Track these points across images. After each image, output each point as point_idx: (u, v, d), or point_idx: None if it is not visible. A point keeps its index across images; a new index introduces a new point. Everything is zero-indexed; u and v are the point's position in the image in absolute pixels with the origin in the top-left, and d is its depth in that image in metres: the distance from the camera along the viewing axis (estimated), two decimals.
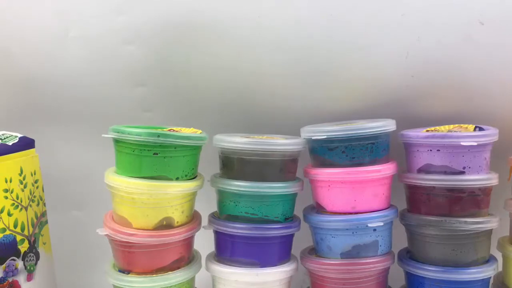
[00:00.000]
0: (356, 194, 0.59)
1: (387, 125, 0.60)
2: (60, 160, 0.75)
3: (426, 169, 0.60)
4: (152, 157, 0.56)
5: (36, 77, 0.71)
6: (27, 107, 0.73)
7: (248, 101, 0.68)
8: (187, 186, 0.59)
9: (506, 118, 0.66)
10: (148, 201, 0.57)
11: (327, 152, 0.60)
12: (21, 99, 0.73)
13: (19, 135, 0.64)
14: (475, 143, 0.57)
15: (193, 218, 0.62)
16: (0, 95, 0.73)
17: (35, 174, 0.65)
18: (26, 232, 0.63)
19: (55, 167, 0.73)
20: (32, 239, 0.64)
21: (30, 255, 0.63)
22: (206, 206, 0.64)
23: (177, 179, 0.58)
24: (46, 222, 0.67)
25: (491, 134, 0.59)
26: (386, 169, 0.60)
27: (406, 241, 0.64)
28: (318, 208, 0.62)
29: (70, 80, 0.71)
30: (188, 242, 0.62)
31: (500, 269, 0.64)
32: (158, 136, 0.55)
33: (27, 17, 0.69)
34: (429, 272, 0.60)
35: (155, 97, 0.70)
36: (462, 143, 0.57)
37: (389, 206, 0.62)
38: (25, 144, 0.64)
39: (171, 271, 0.59)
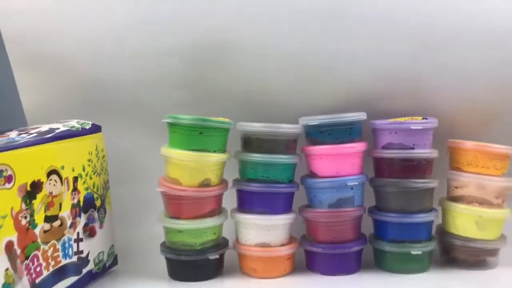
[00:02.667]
0: (339, 163, 0.84)
1: (361, 115, 0.85)
2: (116, 146, 0.97)
3: (387, 146, 0.86)
4: (198, 135, 0.80)
5: (100, 79, 0.95)
6: (91, 103, 0.97)
7: (259, 100, 0.93)
8: (221, 157, 0.83)
9: (445, 112, 0.92)
10: (194, 166, 0.81)
11: (318, 134, 0.85)
12: (87, 96, 0.97)
13: (90, 122, 0.87)
14: (421, 127, 0.83)
15: (223, 182, 0.86)
16: (71, 93, 0.96)
17: (103, 150, 0.88)
18: (99, 192, 0.86)
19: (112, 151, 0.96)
20: (102, 198, 0.87)
21: (101, 210, 0.86)
22: (229, 176, 0.88)
23: (214, 151, 0.82)
24: (109, 187, 0.90)
25: (432, 122, 0.85)
26: (359, 146, 0.85)
27: (374, 200, 0.89)
28: (312, 175, 0.87)
29: (127, 84, 0.95)
30: (220, 198, 0.86)
31: (440, 219, 0.89)
32: (204, 121, 0.80)
33: (94, 29, 0.91)
34: (391, 218, 0.85)
35: (190, 97, 0.94)
36: (412, 127, 0.83)
37: (362, 173, 0.87)
38: (96, 128, 0.87)
39: (208, 217, 0.83)
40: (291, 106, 0.91)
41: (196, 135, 0.81)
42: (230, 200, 0.88)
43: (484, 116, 0.94)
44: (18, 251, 0.65)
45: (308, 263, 0.88)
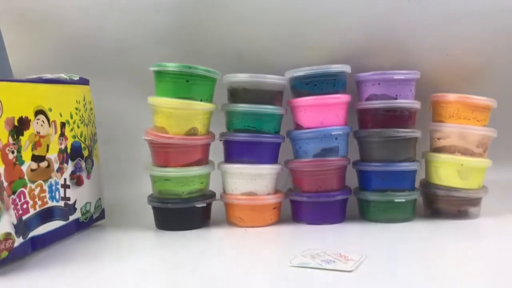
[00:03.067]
0: (324, 114, 0.86)
1: (345, 68, 0.87)
2: (104, 104, 0.98)
3: (371, 98, 0.87)
4: (185, 83, 0.82)
5: (87, 35, 0.96)
6: (79, 60, 0.98)
7: (246, 54, 0.95)
8: (207, 106, 0.84)
9: (427, 67, 0.94)
10: (181, 114, 0.82)
11: (303, 86, 0.87)
12: (74, 53, 0.97)
13: (78, 76, 0.88)
14: (403, 77, 0.85)
15: (210, 133, 0.87)
16: (58, 50, 0.97)
17: (91, 103, 0.89)
18: (87, 143, 0.86)
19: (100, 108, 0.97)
20: (90, 149, 0.88)
21: (88, 160, 0.87)
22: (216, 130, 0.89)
23: (201, 100, 0.83)
24: (97, 141, 0.91)
25: (413, 73, 0.87)
26: (343, 98, 0.87)
27: (358, 155, 0.91)
28: (297, 127, 0.89)
29: (114, 40, 0.96)
30: (207, 148, 0.87)
31: (423, 174, 0.91)
32: (190, 68, 0.81)
33: None
34: (375, 167, 0.86)
35: (178, 52, 0.95)
36: (395, 77, 0.85)
37: (346, 125, 0.88)
38: (84, 81, 0.88)
39: (195, 166, 0.84)
40: (278, 61, 0.92)
41: (182, 83, 0.82)
42: (217, 154, 0.89)
43: (466, 71, 0.96)
44: (5, 184, 0.66)
45: (294, 214, 0.89)
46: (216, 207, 0.89)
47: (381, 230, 0.83)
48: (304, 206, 0.87)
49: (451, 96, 0.88)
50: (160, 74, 0.83)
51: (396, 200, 0.85)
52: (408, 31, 0.93)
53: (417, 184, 0.90)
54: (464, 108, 0.87)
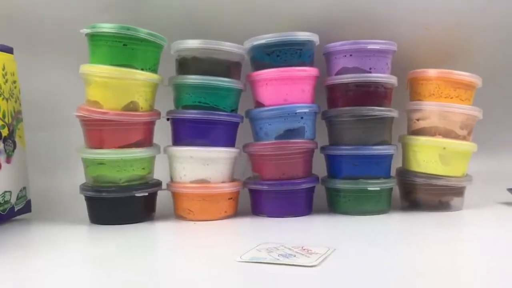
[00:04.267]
0: (287, 89, 0.74)
1: (312, 37, 0.76)
2: (35, 81, 0.85)
3: (342, 72, 0.76)
4: (122, 47, 0.69)
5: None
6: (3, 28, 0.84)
7: (200, 21, 0.82)
8: (150, 76, 0.71)
9: (403, 42, 0.83)
10: (118, 84, 0.69)
11: (265, 57, 0.75)
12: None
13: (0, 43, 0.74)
14: (378, 47, 0.74)
15: (154, 110, 0.74)
16: None
17: (14, 75, 0.76)
18: (7, 120, 0.73)
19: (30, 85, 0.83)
20: (11, 128, 0.74)
21: (9, 142, 0.73)
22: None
23: (142, 69, 0.70)
24: (22, 120, 0.77)
25: (390, 44, 0.76)
26: (310, 70, 0.75)
27: (327, 139, 0.79)
28: (257, 106, 0.77)
29: (47, 5, 0.82)
30: (150, 128, 0.74)
31: (399, 157, 0.80)
32: (128, 29, 0.68)
33: None
34: (345, 151, 0.75)
35: (122, 19, 0.82)
36: (369, 47, 0.74)
37: (313, 103, 0.77)
38: (7, 48, 0.75)
39: (135, 148, 0.71)
40: (235, 28, 0.81)
41: (119, 47, 0.69)
42: (165, 136, 0.76)
43: (446, 47, 0.86)
44: None
45: (253, 206, 0.77)
46: (164, 198, 0.76)
47: (352, 223, 0.71)
48: (265, 196, 0.75)
49: (432, 72, 0.77)
50: (94, 38, 0.70)
51: (369, 189, 0.73)
52: (384, 1, 0.82)
53: (393, 173, 0.80)
54: (446, 85, 0.76)
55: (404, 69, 0.81)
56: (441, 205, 0.77)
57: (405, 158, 0.80)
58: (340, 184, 0.75)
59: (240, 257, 0.51)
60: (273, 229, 0.69)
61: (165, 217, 0.75)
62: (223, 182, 0.73)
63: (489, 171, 0.89)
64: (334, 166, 0.77)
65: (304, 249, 0.53)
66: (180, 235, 0.68)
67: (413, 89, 0.80)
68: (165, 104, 0.75)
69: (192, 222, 0.72)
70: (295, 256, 0.51)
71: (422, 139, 0.76)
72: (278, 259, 0.50)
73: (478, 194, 0.85)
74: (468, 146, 0.76)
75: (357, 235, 0.65)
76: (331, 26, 0.82)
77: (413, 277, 0.48)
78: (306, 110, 0.74)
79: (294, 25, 0.81)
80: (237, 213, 0.76)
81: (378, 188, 0.74)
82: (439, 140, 0.75)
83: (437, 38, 0.86)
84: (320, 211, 0.78)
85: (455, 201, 0.77)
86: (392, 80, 0.76)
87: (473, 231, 0.68)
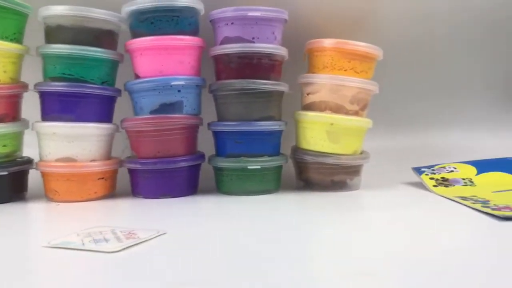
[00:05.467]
0: (163, 60, 0.68)
1: (193, 3, 0.70)
2: None
3: (224, 42, 0.70)
4: None
5: None
6: None
7: None
8: (8, 45, 0.66)
9: (302, 12, 0.77)
10: None
11: (139, 25, 0.69)
12: None
13: None
14: (259, 14, 0.68)
15: (20, 82, 0.69)
16: None
17: None
18: None
19: None
20: None
21: None
22: None
23: (1, 38, 0.65)
24: None
25: (277, 11, 0.70)
26: (189, 40, 0.69)
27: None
28: (136, 78, 0.71)
29: None
30: (15, 101, 0.69)
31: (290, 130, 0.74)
32: None
33: None
34: (227, 127, 0.70)
35: None
36: (249, 14, 0.68)
37: (197, 75, 0.71)
38: None
39: None
40: None
41: None
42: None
43: (347, 19, 0.80)
44: None
45: (132, 187, 0.72)
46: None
47: (232, 202, 0.67)
48: (141, 175, 0.70)
49: (327, 42, 0.71)
50: None
51: (249, 167, 0.68)
52: None
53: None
54: (340, 57, 0.70)
55: (304, 40, 0.76)
56: (334, 185, 0.72)
57: (296, 135, 0.74)
58: (223, 163, 0.70)
59: (48, 242, 0.46)
60: (133, 211, 0.65)
61: (35, 198, 0.70)
62: (92, 160, 0.68)
63: (397, 149, 0.84)
64: (219, 144, 0.72)
65: (131, 234, 0.48)
66: (30, 218, 0.63)
67: (310, 62, 0.74)
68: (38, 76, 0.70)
69: (54, 204, 0.67)
70: (106, 242, 0.46)
71: (310, 114, 0.71)
72: (83, 245, 0.45)
73: (382, 173, 0.80)
74: (359, 121, 0.71)
75: (215, 216, 0.60)
76: None
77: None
78: (183, 82, 0.68)
79: None
80: (115, 194, 0.72)
81: (258, 167, 0.69)
82: (326, 116, 0.69)
83: (338, 8, 0.80)
84: (210, 191, 0.73)
85: (351, 180, 0.73)
86: (280, 51, 0.70)
87: (362, 212, 0.63)
